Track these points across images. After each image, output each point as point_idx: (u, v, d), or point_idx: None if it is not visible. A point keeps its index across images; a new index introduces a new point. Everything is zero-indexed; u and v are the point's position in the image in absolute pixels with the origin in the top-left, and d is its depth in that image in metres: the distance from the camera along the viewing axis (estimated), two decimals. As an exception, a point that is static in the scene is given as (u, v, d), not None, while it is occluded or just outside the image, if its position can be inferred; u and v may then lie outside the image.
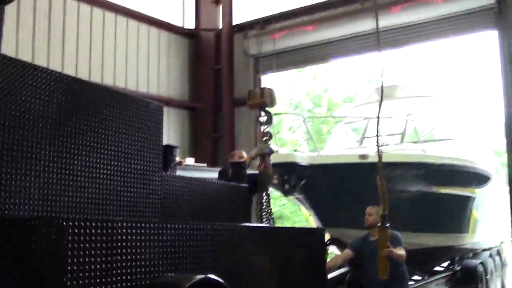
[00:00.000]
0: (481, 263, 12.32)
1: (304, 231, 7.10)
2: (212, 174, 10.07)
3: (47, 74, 4.52)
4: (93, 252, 3.45)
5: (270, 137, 8.54)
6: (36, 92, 4.40)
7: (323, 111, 29.83)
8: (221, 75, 17.25)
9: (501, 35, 12.83)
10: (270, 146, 8.50)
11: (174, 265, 4.13)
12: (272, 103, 8.42)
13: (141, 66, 16.04)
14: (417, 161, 9.84)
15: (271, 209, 8.32)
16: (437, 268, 12.30)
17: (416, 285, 10.30)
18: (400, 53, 22.83)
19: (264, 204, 8.16)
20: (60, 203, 4.47)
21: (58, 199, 4.46)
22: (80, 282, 3.32)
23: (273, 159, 8.47)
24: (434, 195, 10.03)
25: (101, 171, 4.90)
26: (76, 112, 4.74)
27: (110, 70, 15.09)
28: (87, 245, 3.40)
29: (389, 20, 13.65)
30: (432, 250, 10.40)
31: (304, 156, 9.31)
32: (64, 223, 3.30)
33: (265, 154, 8.33)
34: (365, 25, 13.72)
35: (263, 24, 16.38)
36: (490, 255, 13.54)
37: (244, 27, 16.71)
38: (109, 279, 3.55)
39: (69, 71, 12.98)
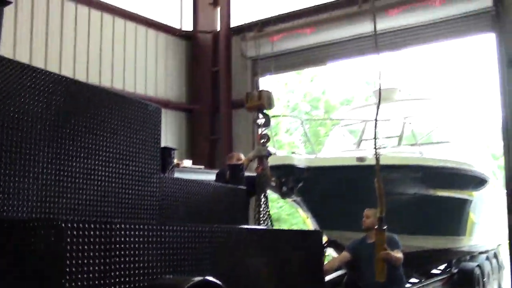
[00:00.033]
0: (478, 265, 12.33)
1: (301, 234, 7.11)
2: (210, 176, 10.06)
3: (45, 76, 4.53)
4: (91, 254, 3.46)
5: (268, 139, 8.56)
6: (35, 94, 4.40)
7: (320, 114, 29.85)
8: (218, 77, 17.24)
9: (499, 38, 12.84)
10: (268, 148, 8.52)
11: (173, 267, 4.14)
12: (270, 105, 8.45)
13: (138, 68, 16.03)
14: (415, 164, 9.86)
15: (269, 211, 8.34)
16: (434, 271, 12.32)
17: (413, 288, 10.33)
18: (398, 55, 22.84)
19: (262, 206, 8.17)
20: (59, 204, 4.47)
21: (57, 201, 4.47)
22: (79, 283, 3.33)
23: (271, 161, 8.49)
24: (431, 198, 10.05)
25: (100, 173, 4.90)
26: (75, 114, 4.74)
27: (108, 71, 15.08)
28: (85, 246, 3.41)
29: (387, 22, 13.66)
30: (430, 252, 10.41)
31: (301, 158, 9.33)
32: (63, 225, 3.31)
33: (263, 156, 8.36)
34: (363, 27, 13.74)
35: (261, 26, 16.38)
36: (487, 258, 13.56)
37: (242, 29, 16.70)
38: (107, 281, 3.56)
39: (67, 72, 12.98)
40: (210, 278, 4.16)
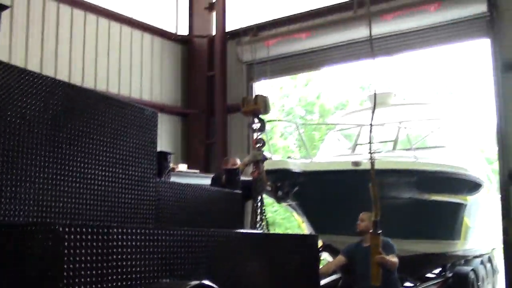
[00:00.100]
0: (473, 270, 12.36)
1: (297, 238, 7.12)
2: (205, 180, 10.09)
3: (42, 80, 4.53)
4: (89, 258, 3.46)
5: (263, 144, 8.59)
6: (31, 98, 4.41)
7: (315, 118, 29.90)
8: (214, 82, 17.25)
9: (493, 43, 12.90)
10: (264, 153, 8.54)
11: (169, 271, 4.15)
12: (265, 110, 8.48)
13: (134, 72, 16.03)
14: (410, 168, 9.89)
15: (265, 216, 8.36)
16: (429, 275, 12.34)
17: (408, 292, 10.35)
18: (393, 60, 22.90)
19: (258, 210, 8.19)
20: (56, 208, 4.48)
21: (54, 205, 4.47)
22: (76, 287, 3.33)
23: (267, 166, 8.51)
24: (426, 202, 10.08)
25: (97, 177, 4.91)
26: (71, 118, 4.75)
27: (103, 76, 15.08)
28: (83, 250, 3.42)
29: (382, 27, 13.71)
30: (424, 256, 10.43)
31: (297, 163, 9.35)
32: (61, 229, 3.32)
33: (259, 161, 8.38)
34: (358, 32, 13.80)
35: (256, 31, 16.42)
36: (482, 262, 13.60)
37: (237, 34, 16.72)
38: (104, 285, 3.57)
39: (62, 76, 12.98)
40: (207, 282, 4.17)
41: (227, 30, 17.40)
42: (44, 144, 4.46)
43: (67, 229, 3.34)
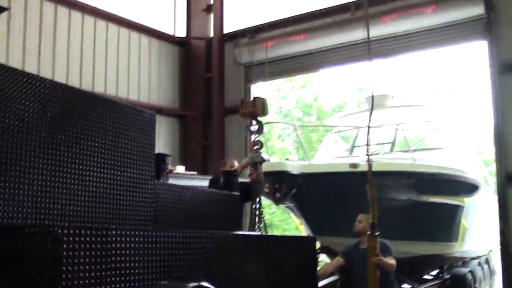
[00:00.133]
0: (470, 271, 12.37)
1: (295, 240, 7.13)
2: (203, 182, 10.08)
3: (40, 82, 4.53)
4: (88, 260, 3.47)
5: (261, 146, 8.59)
6: (30, 100, 4.41)
7: (313, 120, 29.91)
8: (211, 84, 17.26)
9: (491, 45, 12.94)
10: (262, 155, 8.55)
11: (168, 272, 4.16)
12: (264, 112, 8.49)
13: (132, 74, 16.04)
14: (407, 170, 9.90)
15: (263, 218, 8.36)
16: (426, 277, 12.35)
17: (405, 294, 10.36)
18: (391, 62, 22.92)
19: (256, 212, 8.20)
20: (54, 211, 4.48)
21: (52, 207, 4.47)
22: (75, 289, 3.34)
23: (265, 167, 8.51)
24: (424, 204, 10.09)
25: (95, 179, 4.91)
26: (70, 120, 4.76)
27: (101, 77, 15.08)
28: (82, 253, 3.43)
29: (380, 30, 13.73)
30: (422, 258, 10.44)
31: (295, 165, 9.34)
32: (60, 231, 3.32)
33: (257, 163, 8.39)
34: (355, 34, 13.83)
35: (254, 33, 16.43)
36: (479, 264, 13.61)
37: (235, 36, 16.75)
38: (103, 287, 3.57)
39: (60, 78, 12.97)
40: (205, 284, 4.18)
41: (224, 32, 17.43)
42: (42, 146, 4.46)
43: (66, 231, 3.35)
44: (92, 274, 3.49)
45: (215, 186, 8.54)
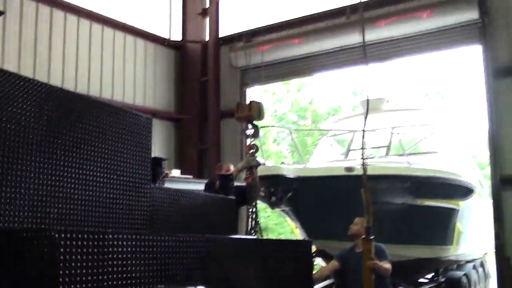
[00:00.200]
0: (465, 274, 12.41)
1: (291, 243, 7.13)
2: (198, 186, 10.08)
3: (37, 86, 4.53)
4: (84, 264, 3.47)
5: (257, 149, 8.62)
6: (26, 104, 4.41)
7: (308, 123, 29.93)
8: (207, 87, 17.28)
9: (485, 50, 13.00)
10: (257, 158, 8.57)
11: (164, 276, 4.16)
12: (259, 116, 8.51)
13: (127, 77, 16.04)
14: (402, 174, 9.94)
15: (258, 221, 8.37)
16: (421, 280, 12.38)
17: (401, 297, 10.36)
18: (386, 66, 22.99)
19: (252, 216, 8.21)
20: (51, 214, 4.48)
21: (48, 211, 4.47)
22: (72, 293, 3.34)
23: (260, 171, 8.53)
24: (419, 208, 10.12)
25: (91, 183, 4.91)
26: (67, 124, 4.75)
27: (97, 81, 15.08)
28: (79, 257, 3.42)
29: (375, 34, 13.78)
30: (417, 262, 10.47)
31: (290, 168, 9.37)
32: (57, 235, 3.32)
33: (252, 166, 8.41)
34: (351, 38, 13.87)
35: (249, 36, 16.46)
36: (474, 267, 13.66)
37: (231, 40, 16.79)
38: (100, 291, 3.58)
39: (55, 81, 12.97)
40: (202, 288, 4.19)
41: (220, 35, 17.44)
42: (39, 150, 4.46)
43: (63, 235, 3.35)
44: (89, 278, 3.49)
45: (211, 190, 8.55)
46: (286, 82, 27.76)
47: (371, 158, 11.22)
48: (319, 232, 9.11)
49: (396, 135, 11.45)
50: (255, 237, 8.07)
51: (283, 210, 9.86)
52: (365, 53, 7.38)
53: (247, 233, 8.24)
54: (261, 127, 9.02)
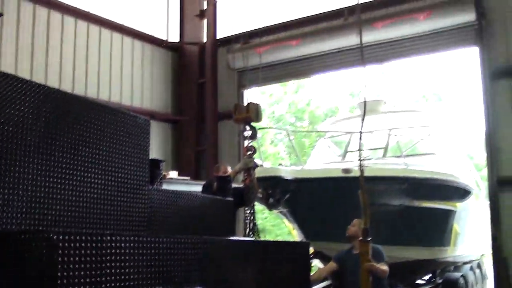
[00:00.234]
0: (462, 276, 12.44)
1: (289, 245, 7.14)
2: (196, 187, 10.08)
3: (35, 88, 4.53)
4: (82, 265, 3.47)
5: (254, 151, 8.61)
6: (24, 105, 4.40)
7: (305, 125, 29.95)
8: (204, 89, 17.27)
9: (482, 52, 13.03)
10: (255, 160, 8.57)
11: (162, 278, 4.16)
12: (257, 118, 8.50)
13: (125, 79, 16.04)
14: (400, 175, 9.95)
15: (256, 223, 8.38)
16: (419, 281, 12.40)
17: (398, 299, 10.37)
18: (383, 68, 22.99)
19: (250, 217, 8.21)
20: (49, 216, 4.48)
21: (46, 213, 4.46)
22: (71, 295, 3.35)
23: (258, 173, 8.53)
24: (416, 209, 10.14)
25: (90, 185, 4.91)
26: (64, 125, 4.75)
27: (94, 82, 15.07)
28: (77, 258, 3.43)
29: (373, 35, 13.78)
30: (414, 263, 10.49)
31: (288, 170, 9.38)
32: (55, 237, 3.32)
33: (250, 168, 8.40)
34: (348, 40, 13.89)
35: (247, 38, 16.47)
36: (471, 268, 13.68)
37: (228, 41, 16.79)
38: (98, 293, 3.58)
39: (53, 83, 12.97)
40: (200, 289, 4.20)
41: (218, 37, 17.46)
42: (36, 152, 4.45)
43: (61, 237, 3.35)
44: (88, 279, 3.49)
45: (209, 191, 8.54)
46: (284, 84, 27.78)
47: (369, 159, 11.23)
48: (316, 233, 9.12)
49: (393, 136, 11.47)
50: (252, 238, 8.06)
51: (280, 212, 9.87)
52: (362, 55, 7.36)
53: (245, 234, 8.23)
54: (259, 128, 9.01)
